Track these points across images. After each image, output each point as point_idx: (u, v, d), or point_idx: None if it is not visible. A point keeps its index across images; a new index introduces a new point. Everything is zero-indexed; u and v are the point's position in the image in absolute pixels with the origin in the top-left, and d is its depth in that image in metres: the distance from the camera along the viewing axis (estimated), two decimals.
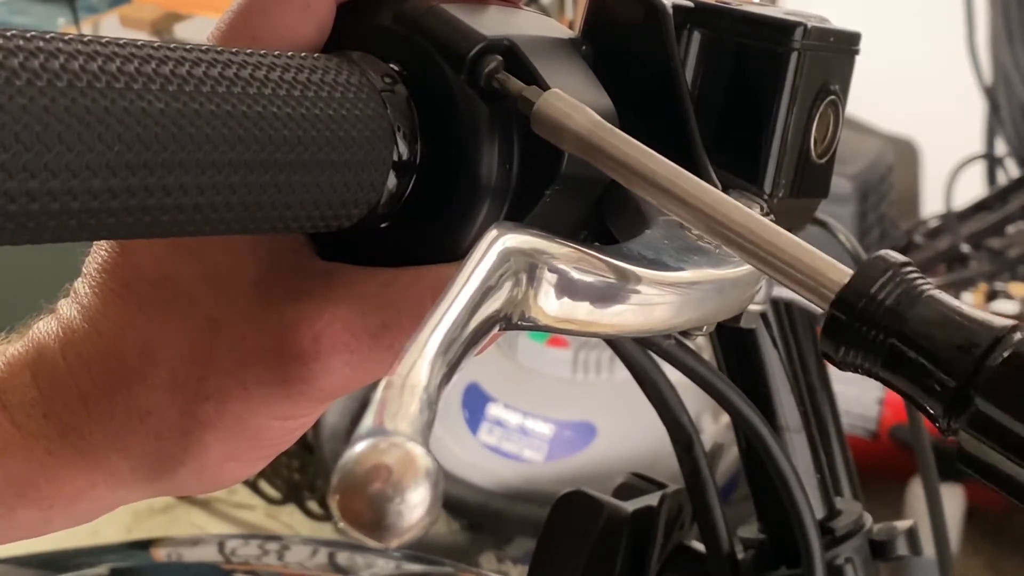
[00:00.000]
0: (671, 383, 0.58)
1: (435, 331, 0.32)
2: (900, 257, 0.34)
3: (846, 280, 0.33)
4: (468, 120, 0.39)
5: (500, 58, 0.39)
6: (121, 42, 0.33)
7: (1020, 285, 2.07)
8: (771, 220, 0.36)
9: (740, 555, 0.62)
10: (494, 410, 1.96)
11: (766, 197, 0.45)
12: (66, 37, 0.32)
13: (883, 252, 0.34)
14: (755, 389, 0.62)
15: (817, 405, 0.65)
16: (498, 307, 0.34)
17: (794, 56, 0.45)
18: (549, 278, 0.36)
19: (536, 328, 0.37)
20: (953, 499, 1.87)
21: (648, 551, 0.61)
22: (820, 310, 0.34)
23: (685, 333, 0.48)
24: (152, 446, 0.41)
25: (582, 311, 0.38)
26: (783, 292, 0.57)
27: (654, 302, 0.39)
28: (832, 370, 0.63)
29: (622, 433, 1.88)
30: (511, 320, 0.35)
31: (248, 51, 0.36)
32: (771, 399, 0.62)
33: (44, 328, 0.42)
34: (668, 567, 0.63)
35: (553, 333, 0.58)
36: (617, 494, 0.63)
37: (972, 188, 2.35)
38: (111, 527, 2.06)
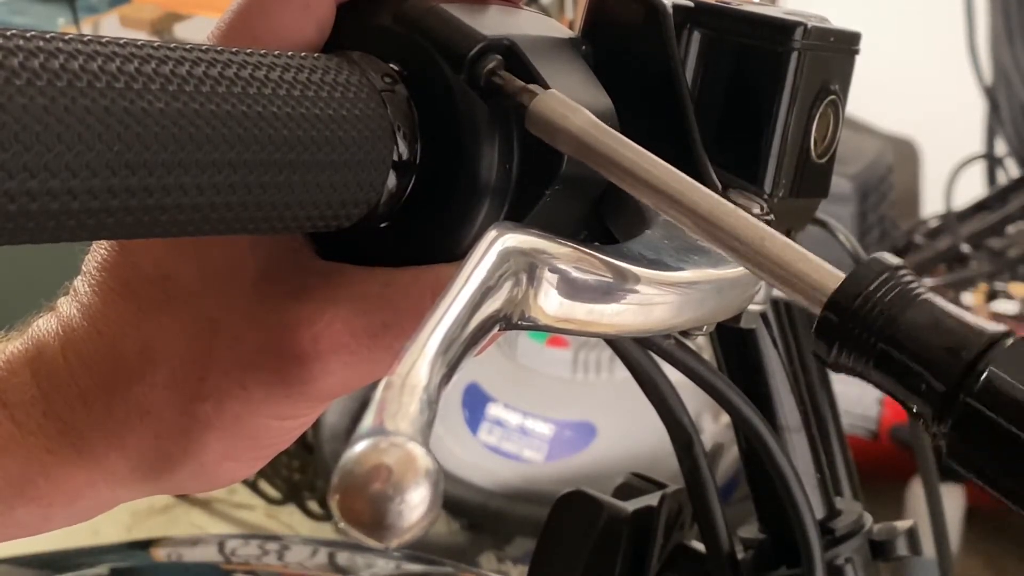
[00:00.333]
0: (671, 383, 0.58)
1: (435, 331, 0.32)
2: (895, 260, 0.34)
3: (838, 283, 0.34)
4: (468, 120, 0.39)
5: (500, 58, 0.39)
6: (121, 42, 0.33)
7: (1020, 285, 2.07)
8: (771, 220, 0.36)
9: (740, 555, 0.62)
10: (494, 410, 1.96)
11: (766, 197, 0.45)
12: (66, 37, 0.32)
13: (878, 255, 0.34)
14: (755, 389, 0.62)
15: (817, 405, 0.65)
16: (498, 307, 0.34)
17: (794, 56, 0.45)
18: (549, 278, 0.36)
19: (536, 328, 0.37)
20: (953, 499, 1.87)
21: (648, 551, 0.61)
22: (816, 312, 0.34)
23: (685, 333, 0.48)
24: (151, 445, 0.41)
25: (582, 311, 0.38)
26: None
27: (654, 302, 0.40)
28: None
29: (622, 433, 1.88)
30: (511, 320, 0.35)
31: (248, 51, 0.36)
32: (771, 399, 0.62)
33: (44, 326, 0.42)
34: (668, 567, 0.63)
35: (553, 333, 0.58)
36: (617, 494, 0.63)
37: (972, 188, 2.35)
38: (111, 527, 2.06)
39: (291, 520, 2.17)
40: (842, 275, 0.34)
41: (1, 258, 1.87)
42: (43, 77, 0.30)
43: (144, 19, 2.12)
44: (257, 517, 2.20)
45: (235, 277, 0.40)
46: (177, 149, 0.33)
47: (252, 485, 2.14)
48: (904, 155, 2.64)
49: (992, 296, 2.07)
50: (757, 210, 0.44)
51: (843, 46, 0.47)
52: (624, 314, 0.39)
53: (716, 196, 0.36)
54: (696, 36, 0.46)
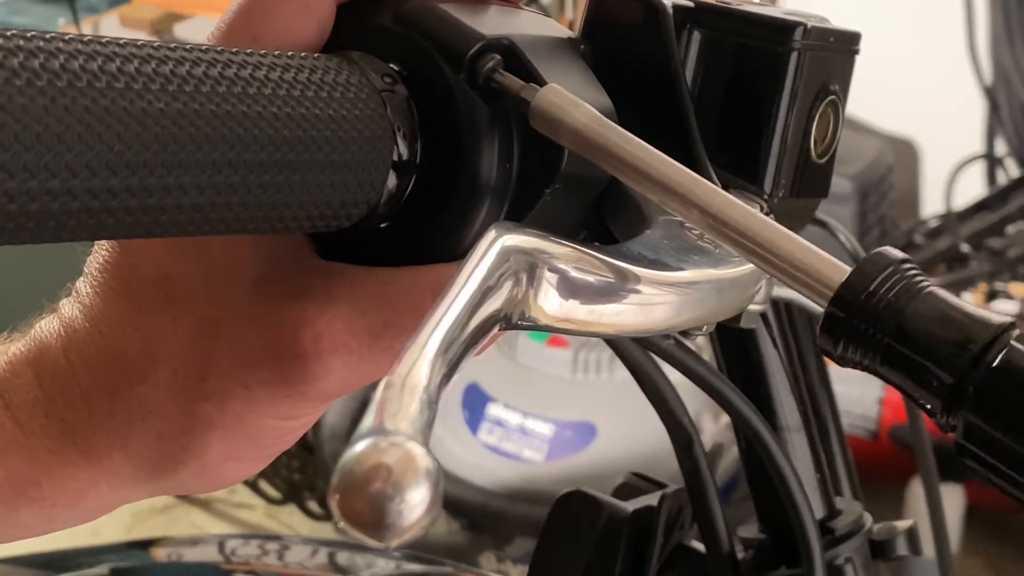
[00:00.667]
0: (671, 383, 0.58)
1: (435, 331, 0.32)
2: (899, 254, 0.34)
3: (845, 277, 0.34)
4: (468, 119, 0.39)
5: (499, 57, 0.39)
6: (121, 42, 0.33)
7: (1020, 285, 2.07)
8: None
9: (740, 555, 0.62)
10: (494, 410, 1.96)
11: (766, 197, 0.45)
12: (66, 37, 0.32)
13: (882, 249, 0.34)
14: (755, 389, 0.62)
15: (817, 405, 0.65)
16: (498, 307, 0.34)
17: (794, 56, 0.45)
18: (549, 278, 0.36)
19: (536, 328, 0.37)
20: (953, 499, 1.87)
21: (648, 551, 0.61)
22: (820, 308, 0.34)
23: (685, 333, 0.48)
24: (153, 445, 0.41)
25: (582, 311, 0.38)
26: (783, 292, 0.57)
27: (654, 302, 0.40)
28: (832, 370, 0.63)
29: (622, 433, 1.88)
30: (511, 320, 0.35)
31: (248, 51, 0.36)
32: (771, 399, 0.62)
33: (46, 327, 0.42)
34: (668, 567, 0.63)
35: (553, 333, 0.58)
36: (617, 494, 0.63)
37: (972, 188, 2.35)
38: (111, 527, 2.06)
39: (291, 520, 2.17)
40: (848, 269, 0.34)
41: (2, 259, 1.87)
42: (43, 77, 0.30)
43: (144, 19, 2.12)
44: (257, 517, 2.20)
45: (235, 277, 0.41)
46: (177, 149, 0.33)
47: (252, 485, 2.14)
48: (904, 155, 2.64)
49: (992, 296, 2.07)
50: (757, 210, 0.44)
51: (843, 46, 0.47)
52: (624, 314, 0.39)
53: (721, 190, 0.36)
54: (696, 36, 0.46)
